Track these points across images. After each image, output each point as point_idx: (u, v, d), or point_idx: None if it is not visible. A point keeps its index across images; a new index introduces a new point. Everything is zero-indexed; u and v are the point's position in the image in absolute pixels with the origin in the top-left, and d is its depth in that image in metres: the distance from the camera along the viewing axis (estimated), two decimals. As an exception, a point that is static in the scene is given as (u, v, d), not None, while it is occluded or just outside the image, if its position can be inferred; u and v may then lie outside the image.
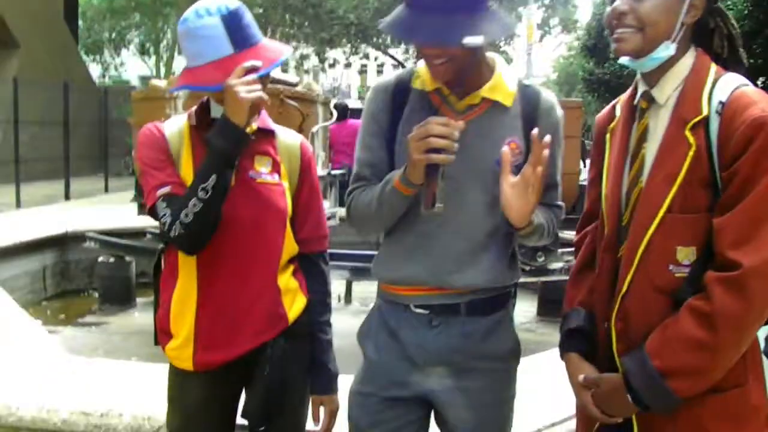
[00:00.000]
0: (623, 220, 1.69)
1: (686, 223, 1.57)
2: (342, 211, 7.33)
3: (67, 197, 13.96)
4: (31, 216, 9.45)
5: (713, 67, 1.65)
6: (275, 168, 2.05)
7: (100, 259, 6.69)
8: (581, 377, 1.73)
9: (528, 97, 1.90)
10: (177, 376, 2.06)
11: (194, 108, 2.04)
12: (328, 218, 2.31)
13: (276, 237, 2.02)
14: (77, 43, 24.89)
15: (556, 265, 5.33)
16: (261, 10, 20.87)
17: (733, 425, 1.59)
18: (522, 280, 2.09)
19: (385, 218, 1.89)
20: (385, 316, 1.96)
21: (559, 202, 1.99)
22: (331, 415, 2.15)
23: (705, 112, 1.58)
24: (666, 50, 1.62)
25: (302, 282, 2.11)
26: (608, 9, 1.66)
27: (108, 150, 17.68)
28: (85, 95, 18.52)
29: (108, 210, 9.88)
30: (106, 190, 15.92)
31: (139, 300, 6.71)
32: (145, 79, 24.51)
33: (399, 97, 1.92)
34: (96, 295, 6.93)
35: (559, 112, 1.94)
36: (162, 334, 2.05)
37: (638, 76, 1.74)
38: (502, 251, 1.91)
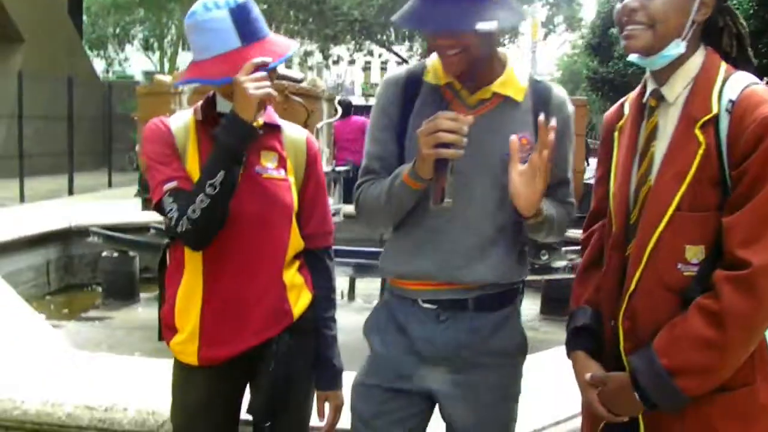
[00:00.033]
0: (631, 219, 1.69)
1: (695, 221, 1.57)
2: (346, 208, 7.35)
3: (70, 192, 13.96)
4: (34, 210, 9.44)
5: (723, 66, 1.65)
6: (281, 163, 2.04)
7: (104, 253, 6.69)
8: (588, 375, 1.72)
9: (539, 92, 1.90)
10: (181, 370, 2.06)
11: (200, 103, 2.04)
12: (333, 215, 2.31)
13: (282, 233, 2.02)
14: (81, 38, 24.90)
15: (560, 263, 5.32)
16: (265, 6, 20.89)
17: (741, 424, 1.58)
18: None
19: (393, 212, 1.88)
20: (393, 311, 1.96)
21: (572, 199, 1.98)
22: (336, 411, 2.15)
23: (715, 110, 1.57)
24: (676, 48, 1.62)
25: (307, 278, 2.11)
26: (618, 5, 1.66)
27: (112, 145, 17.68)
28: (89, 90, 18.52)
29: (111, 205, 9.86)
30: (110, 185, 15.92)
31: (142, 295, 6.70)
32: (149, 75, 24.55)
33: (410, 91, 1.92)
34: (99, 289, 6.93)
35: (571, 108, 1.95)
36: (167, 329, 2.05)
37: (647, 73, 1.74)
38: (511, 247, 1.91)
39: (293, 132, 2.13)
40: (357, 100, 24.01)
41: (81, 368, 2.91)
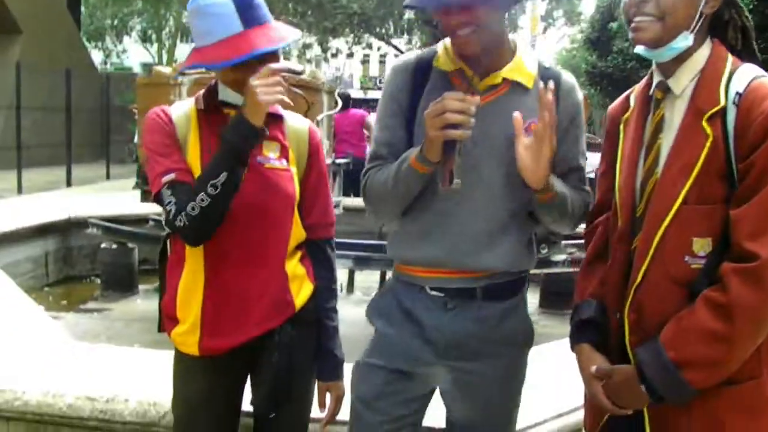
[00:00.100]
0: (637, 212, 1.69)
1: (702, 214, 1.57)
2: (346, 201, 7.36)
3: (68, 184, 13.95)
4: (32, 202, 9.43)
5: (730, 58, 1.64)
6: (283, 153, 2.03)
7: (103, 245, 6.68)
8: (593, 368, 1.72)
9: (548, 78, 1.89)
10: (182, 361, 2.06)
11: (201, 92, 2.03)
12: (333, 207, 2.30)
13: (284, 223, 2.02)
14: (79, 30, 24.83)
15: (560, 257, 5.32)
16: (264, -1, 20.79)
17: (748, 417, 1.58)
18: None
19: (400, 197, 1.87)
20: (399, 296, 1.96)
21: (586, 187, 1.96)
22: (337, 402, 2.15)
23: (722, 102, 1.57)
24: (684, 41, 1.61)
25: (309, 268, 2.11)
26: None
27: (110, 137, 17.66)
28: (88, 82, 18.48)
29: (110, 197, 9.87)
30: (108, 177, 15.90)
31: (141, 287, 6.70)
32: (147, 67, 24.47)
33: (419, 77, 1.91)
34: (98, 281, 6.93)
35: (580, 94, 1.94)
36: (167, 319, 2.04)
37: (653, 66, 1.73)
38: (521, 235, 1.91)
39: (295, 122, 2.12)
40: (355, 93, 23.99)
41: (81, 359, 2.90)
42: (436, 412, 2.02)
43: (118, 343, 4.16)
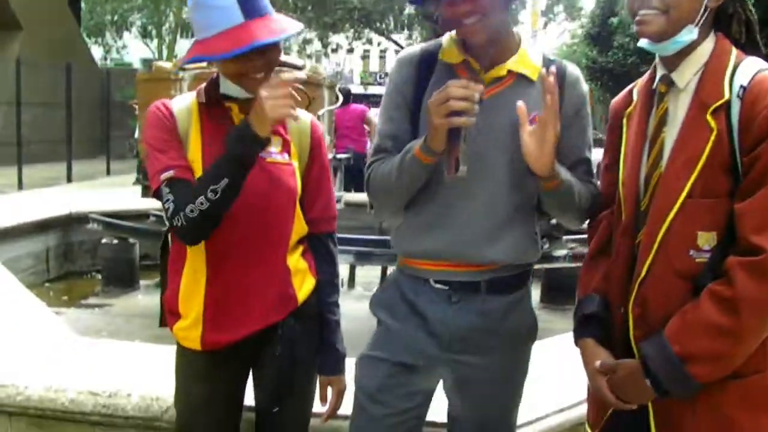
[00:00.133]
0: (642, 206, 1.68)
1: (707, 208, 1.56)
2: (347, 196, 7.35)
3: (69, 179, 13.95)
4: (33, 197, 9.42)
5: (734, 51, 1.64)
6: (285, 147, 2.03)
7: (104, 240, 6.66)
8: (597, 363, 1.72)
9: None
10: (184, 356, 2.06)
11: (203, 85, 2.02)
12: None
13: (286, 217, 2.01)
14: (79, 26, 24.80)
15: (561, 252, 5.31)
16: (264, -6, 20.74)
17: (753, 412, 1.58)
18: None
19: (404, 189, 1.86)
20: (403, 289, 1.95)
21: (594, 179, 1.95)
22: (339, 396, 2.15)
23: (726, 96, 1.57)
24: (689, 34, 1.61)
25: (311, 263, 2.11)
26: None
27: (110, 132, 17.66)
28: (88, 77, 18.47)
29: (110, 192, 9.86)
30: (108, 172, 15.90)
31: (142, 282, 6.68)
32: (147, 62, 24.44)
33: (424, 69, 1.91)
34: (99, 276, 6.92)
35: (585, 86, 1.94)
36: (169, 314, 2.04)
37: (657, 59, 1.73)
38: (525, 228, 1.90)
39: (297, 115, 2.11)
40: (356, 88, 24.00)
41: (82, 354, 2.90)
42: (439, 404, 2.02)
43: (119, 338, 4.17)
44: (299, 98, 1.78)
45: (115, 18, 31.51)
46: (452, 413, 2.04)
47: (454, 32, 1.90)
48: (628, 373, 1.64)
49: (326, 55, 27.27)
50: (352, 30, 24.56)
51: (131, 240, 6.55)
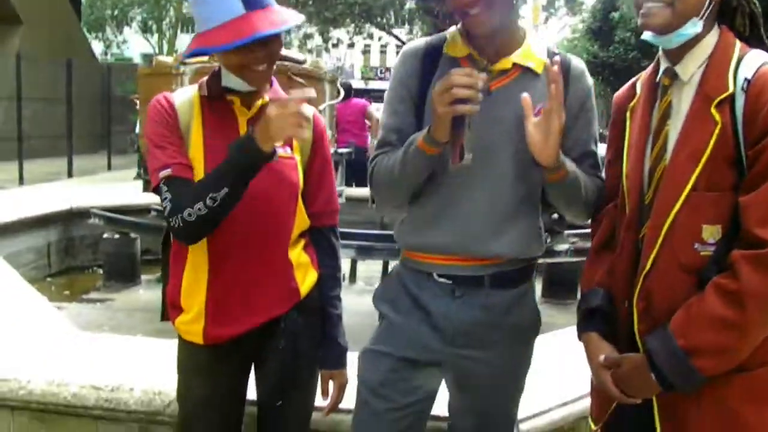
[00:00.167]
0: (646, 199, 1.68)
1: (711, 201, 1.56)
2: (348, 191, 7.35)
3: (69, 174, 13.96)
4: (34, 192, 9.42)
5: (738, 44, 1.63)
6: (287, 141, 2.02)
7: (105, 235, 6.66)
8: (602, 357, 1.71)
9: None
10: (186, 350, 2.06)
11: (205, 78, 2.01)
12: (336, 196, 2.29)
13: (288, 211, 2.01)
14: (80, 20, 24.77)
15: (562, 247, 5.31)
16: (265, -12, 20.70)
17: (758, 405, 1.57)
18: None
19: (408, 182, 1.85)
20: (406, 283, 1.95)
21: (600, 173, 1.93)
22: (340, 390, 2.16)
23: (731, 89, 1.56)
24: (693, 27, 1.60)
25: (313, 256, 2.11)
26: None
27: (111, 128, 17.65)
28: (88, 72, 18.48)
29: (111, 187, 9.86)
30: (109, 167, 15.91)
31: (143, 277, 6.69)
32: (147, 57, 24.42)
33: (429, 63, 1.90)
34: (100, 271, 6.92)
35: (590, 79, 1.94)
36: (171, 308, 2.04)
37: (660, 53, 1.72)
38: (530, 221, 1.90)
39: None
40: (356, 83, 23.98)
41: (84, 349, 2.90)
42: (439, 396, 2.02)
43: (120, 333, 4.16)
44: (309, 119, 1.76)
45: (116, 13, 31.52)
46: (453, 406, 2.04)
47: (458, 26, 1.89)
48: (632, 367, 1.63)
49: (327, 50, 27.25)
50: (352, 25, 24.52)
51: (132, 235, 6.56)
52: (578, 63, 1.93)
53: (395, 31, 25.60)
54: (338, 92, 5.68)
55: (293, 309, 2.02)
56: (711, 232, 1.56)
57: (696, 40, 1.63)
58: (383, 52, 47.77)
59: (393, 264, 5.78)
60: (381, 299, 2.02)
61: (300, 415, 2.13)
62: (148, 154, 1.98)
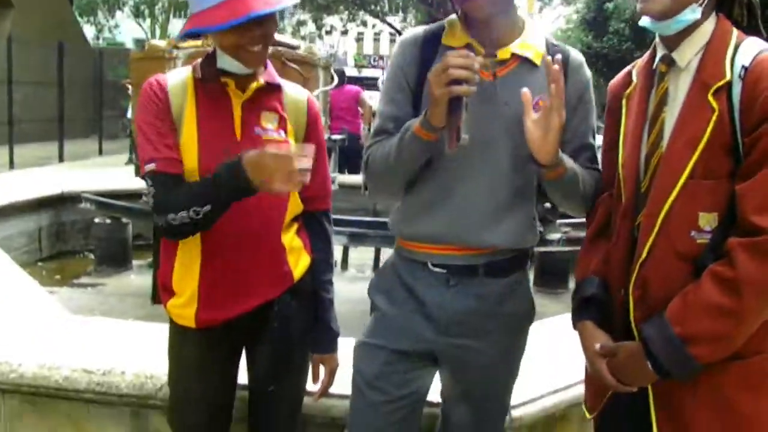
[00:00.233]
0: (642, 187, 1.68)
1: (708, 188, 1.56)
2: (341, 177, 7.33)
3: (61, 159, 13.91)
4: (25, 177, 9.36)
5: (735, 32, 1.63)
6: (282, 124, 2.01)
7: (97, 220, 6.63)
8: (597, 346, 1.71)
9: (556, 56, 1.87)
10: (177, 333, 2.05)
11: (199, 60, 1.99)
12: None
13: (281, 196, 2.00)
14: (71, 4, 24.60)
15: (555, 236, 5.32)
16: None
17: (754, 394, 1.58)
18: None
19: (403, 169, 1.84)
20: (401, 273, 1.95)
21: (597, 166, 1.93)
22: (331, 374, 2.16)
23: (728, 76, 1.56)
24: (692, 13, 1.60)
25: (306, 241, 2.10)
26: None
27: (102, 112, 17.58)
28: (80, 57, 18.38)
29: (103, 172, 9.82)
30: (101, 152, 15.86)
31: (135, 262, 6.66)
32: (139, 42, 24.28)
33: (427, 51, 1.89)
34: (92, 256, 6.89)
35: (588, 71, 1.93)
36: (163, 291, 2.03)
37: (656, 39, 1.72)
38: (525, 212, 1.89)
39: (294, 92, 2.09)
40: (349, 71, 23.92)
41: (76, 333, 2.89)
42: (434, 382, 2.03)
43: (112, 317, 4.14)
44: (301, 182, 1.75)
45: (108, -3, 31.27)
46: (446, 394, 2.04)
47: (458, 13, 1.88)
48: (628, 355, 1.63)
49: (320, 36, 27.17)
50: (346, 12, 24.46)
51: (124, 220, 6.52)
52: (576, 55, 1.92)
53: (389, 18, 25.52)
54: (332, 78, 5.64)
55: (286, 293, 2.01)
56: (707, 220, 1.56)
57: (694, 26, 1.63)
58: (377, 40, 47.67)
59: (385, 251, 5.78)
60: (376, 290, 2.01)
61: (292, 398, 2.13)
62: (138, 141, 1.97)
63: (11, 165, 12.46)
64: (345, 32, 30.27)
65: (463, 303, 1.87)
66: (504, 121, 1.81)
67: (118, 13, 32.36)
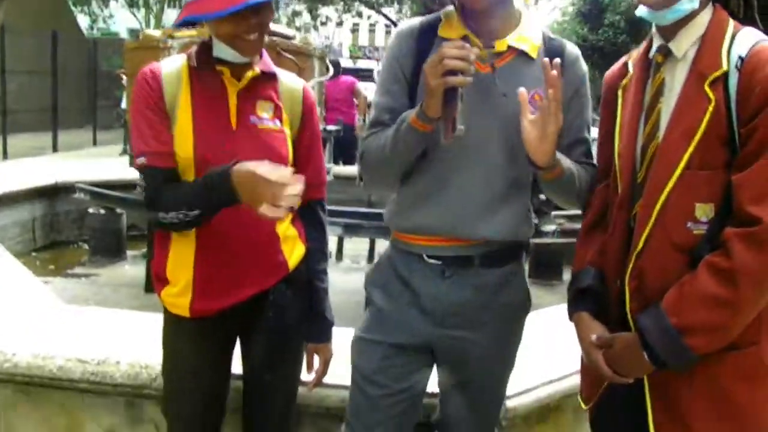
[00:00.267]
0: (638, 177, 1.67)
1: (705, 179, 1.55)
2: (336, 168, 7.33)
3: (54, 149, 13.85)
4: (18, 167, 9.33)
5: (731, 22, 1.63)
6: (277, 113, 2.01)
7: (91, 210, 6.62)
8: (593, 337, 1.71)
9: (553, 49, 1.87)
10: (172, 322, 2.05)
11: (194, 48, 1.98)
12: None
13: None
14: (66, -7, 24.46)
15: (549, 227, 5.33)
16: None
17: (749, 384, 1.58)
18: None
19: (399, 160, 1.84)
20: (396, 265, 1.94)
21: (592, 160, 1.93)
22: (326, 364, 2.16)
23: (724, 67, 1.56)
24: (690, 3, 1.60)
25: (300, 230, 2.10)
26: None
27: (97, 102, 17.51)
28: (74, 46, 18.29)
29: (97, 162, 9.79)
30: (95, 143, 15.79)
31: (129, 252, 6.66)
32: (134, 32, 24.15)
33: (423, 42, 1.88)
34: (86, 246, 6.89)
35: (584, 65, 1.93)
36: (157, 280, 2.03)
37: (653, 30, 1.71)
38: (519, 204, 1.89)
39: (289, 81, 2.09)
40: (345, 62, 23.87)
41: (70, 322, 2.89)
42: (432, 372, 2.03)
43: (106, 307, 4.14)
44: (294, 206, 1.76)
45: (102, -14, 31.06)
46: (443, 385, 2.04)
47: (451, 7, 1.87)
48: (624, 346, 1.63)
49: (315, 27, 27.03)
50: (341, 3, 24.36)
51: (118, 210, 6.51)
52: (572, 48, 1.92)
53: (384, 9, 25.44)
54: (327, 69, 5.62)
55: (281, 282, 2.01)
56: (704, 211, 1.56)
57: (690, 17, 1.62)
58: (372, 31, 47.52)
59: (380, 242, 5.78)
60: (372, 285, 2.01)
61: (286, 388, 2.13)
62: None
63: (4, 155, 12.42)
64: (340, 23, 30.20)
65: (458, 294, 1.87)
66: (500, 113, 1.80)
67: (113, 3, 32.12)
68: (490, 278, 1.89)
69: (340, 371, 2.14)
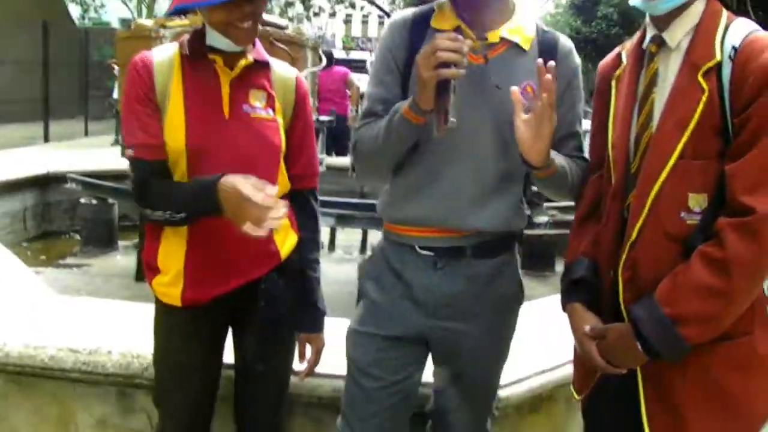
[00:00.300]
0: (632, 168, 1.67)
1: (698, 169, 1.56)
2: (329, 159, 7.31)
3: (46, 139, 13.78)
4: (9, 157, 9.27)
5: (725, 13, 1.63)
6: (270, 102, 2.00)
7: (83, 200, 6.59)
8: (587, 328, 1.71)
9: (546, 41, 1.87)
10: (163, 312, 2.05)
11: (186, 36, 1.97)
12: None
13: (270, 173, 1.98)
14: (56, -17, 24.31)
15: (541, 219, 5.33)
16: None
17: (742, 374, 1.59)
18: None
19: (391, 152, 1.84)
20: (389, 258, 1.95)
21: (584, 154, 1.93)
22: (318, 354, 2.16)
23: (718, 57, 1.56)
24: None
25: (293, 219, 2.10)
26: None
27: (88, 92, 17.42)
28: (65, 36, 18.17)
29: (88, 153, 9.75)
30: (86, 133, 15.72)
31: (121, 243, 6.63)
32: (126, 22, 24.03)
33: (416, 33, 1.88)
34: (77, 236, 6.86)
35: (577, 58, 1.93)
36: (147, 269, 2.02)
37: (647, 20, 1.71)
38: (511, 195, 1.89)
39: (282, 70, 2.08)
40: (337, 53, 23.81)
41: (61, 312, 2.88)
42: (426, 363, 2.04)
43: (98, 297, 4.13)
44: (275, 228, 1.75)
45: (94, -24, 30.87)
46: (437, 376, 2.04)
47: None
48: (618, 337, 1.63)
49: (308, 18, 26.95)
50: (335, -7, 24.30)
51: (110, 200, 6.49)
52: (566, 41, 1.92)
53: (377, 0, 25.37)
54: (320, 59, 5.61)
55: (273, 271, 2.01)
56: (697, 201, 1.56)
57: (684, 7, 1.62)
58: (365, 22, 47.43)
59: (372, 233, 5.77)
60: (366, 277, 2.02)
61: (279, 378, 2.13)
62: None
63: (-5, 145, 12.35)
64: (333, 14, 30.14)
65: (451, 285, 1.87)
66: (492, 105, 1.80)
67: (104, -7, 32.00)
68: (483, 269, 1.89)
69: (333, 361, 2.14)
